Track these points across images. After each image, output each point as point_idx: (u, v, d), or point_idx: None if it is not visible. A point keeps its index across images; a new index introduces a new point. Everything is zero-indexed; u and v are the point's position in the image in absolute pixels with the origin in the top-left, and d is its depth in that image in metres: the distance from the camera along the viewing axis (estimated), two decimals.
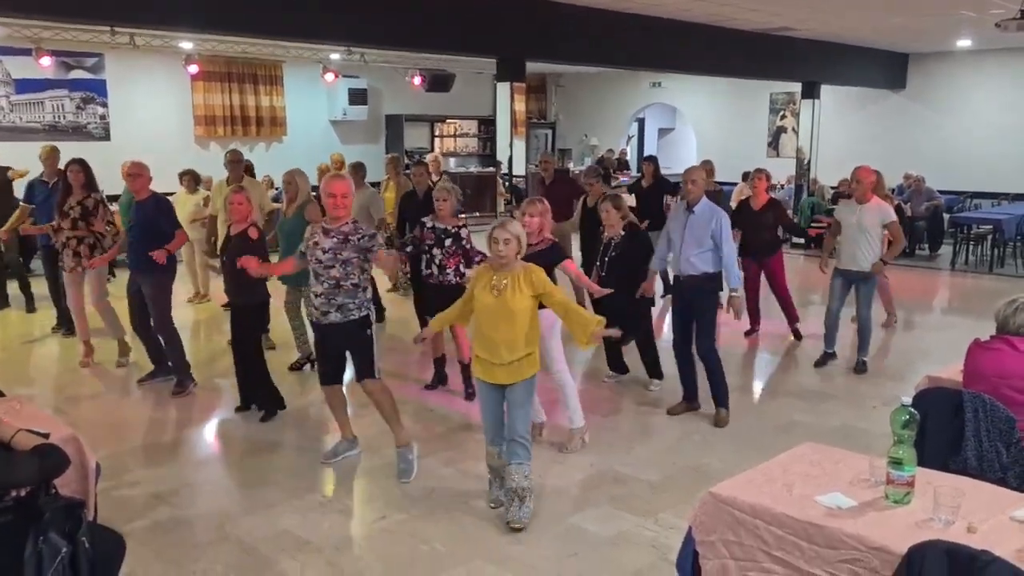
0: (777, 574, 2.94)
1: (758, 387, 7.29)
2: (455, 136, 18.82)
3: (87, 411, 6.53)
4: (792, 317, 8.50)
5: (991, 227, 12.76)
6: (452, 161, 17.96)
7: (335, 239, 4.98)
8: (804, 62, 14.00)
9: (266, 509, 4.70)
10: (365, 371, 5.14)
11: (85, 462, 3.62)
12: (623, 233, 6.62)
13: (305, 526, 4.49)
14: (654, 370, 6.91)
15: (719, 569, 3.11)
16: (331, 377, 5.31)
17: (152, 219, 6.55)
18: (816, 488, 3.11)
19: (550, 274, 5.44)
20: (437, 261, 6.24)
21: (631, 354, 7.06)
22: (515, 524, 4.45)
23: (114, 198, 9.34)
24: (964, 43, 14.10)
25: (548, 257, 5.45)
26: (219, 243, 7.23)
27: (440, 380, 6.87)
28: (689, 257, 5.87)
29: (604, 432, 5.90)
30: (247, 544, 4.30)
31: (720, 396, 6.11)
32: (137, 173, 6.56)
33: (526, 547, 4.27)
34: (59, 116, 13.58)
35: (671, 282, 6.24)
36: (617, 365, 7.11)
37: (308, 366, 7.24)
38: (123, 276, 7.65)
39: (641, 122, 21.67)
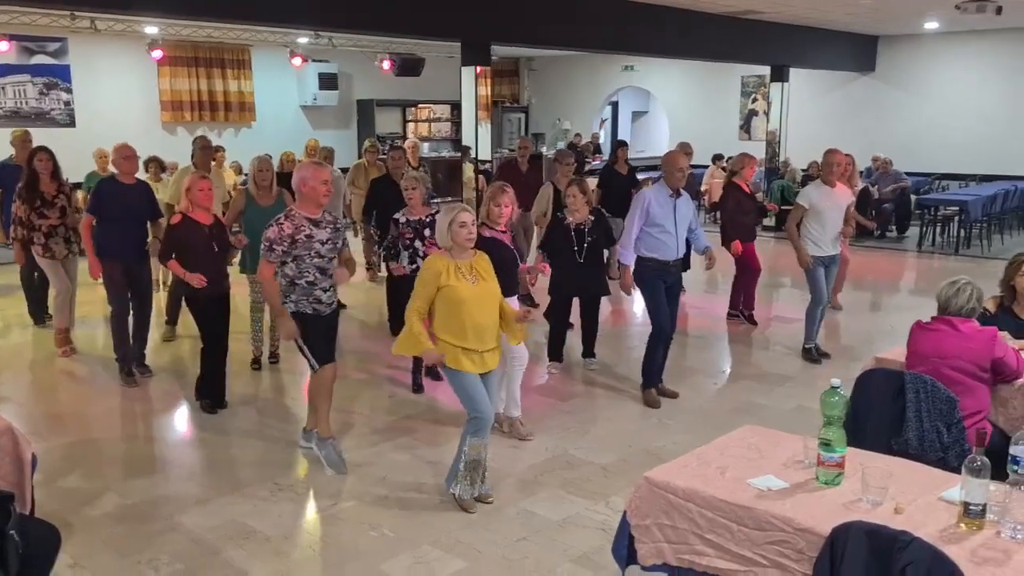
0: (709, 556, 2.96)
1: (717, 370, 7.29)
2: (428, 121, 18.70)
3: (45, 402, 6.45)
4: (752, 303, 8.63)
5: (957, 208, 12.86)
6: (425, 146, 17.84)
7: (327, 229, 4.86)
8: (774, 45, 13.98)
9: (216, 498, 4.67)
10: (332, 355, 5.06)
11: (21, 454, 3.58)
12: (592, 218, 6.56)
13: (254, 515, 4.47)
14: (592, 349, 7.03)
15: (654, 552, 3.12)
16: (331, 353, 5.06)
17: (151, 203, 6.70)
18: (750, 471, 3.12)
19: (516, 263, 5.44)
20: (421, 254, 6.14)
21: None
22: (491, 498, 4.55)
23: (77, 185, 9.23)
24: (931, 25, 14.14)
25: (518, 248, 5.50)
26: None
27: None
28: (682, 240, 6.03)
29: (560, 416, 5.91)
30: (195, 534, 4.27)
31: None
32: (132, 155, 6.59)
33: (475, 532, 4.27)
34: (21, 102, 13.35)
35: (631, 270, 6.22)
36: (560, 353, 6.97)
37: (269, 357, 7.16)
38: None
39: (614, 105, 21.62)
